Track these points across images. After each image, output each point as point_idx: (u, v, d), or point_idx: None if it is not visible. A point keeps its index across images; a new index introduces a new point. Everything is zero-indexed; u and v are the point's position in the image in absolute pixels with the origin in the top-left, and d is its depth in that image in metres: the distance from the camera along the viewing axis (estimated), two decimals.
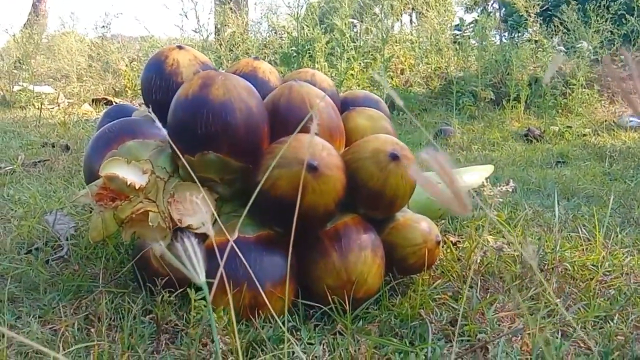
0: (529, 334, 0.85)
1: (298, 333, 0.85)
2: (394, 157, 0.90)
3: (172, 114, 0.92)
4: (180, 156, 0.89)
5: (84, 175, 1.02)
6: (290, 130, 0.93)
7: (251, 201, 0.59)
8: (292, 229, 0.93)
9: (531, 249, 0.40)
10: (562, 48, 4.37)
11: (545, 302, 0.93)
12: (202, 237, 0.93)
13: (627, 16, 4.61)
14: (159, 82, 1.03)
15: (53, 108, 3.96)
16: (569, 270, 1.04)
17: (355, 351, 0.78)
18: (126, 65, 4.84)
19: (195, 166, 0.91)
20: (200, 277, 0.36)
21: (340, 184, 0.88)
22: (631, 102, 0.42)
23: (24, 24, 6.04)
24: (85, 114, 3.76)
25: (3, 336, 0.82)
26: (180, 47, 1.06)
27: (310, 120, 0.94)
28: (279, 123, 0.95)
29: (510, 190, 1.09)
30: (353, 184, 0.91)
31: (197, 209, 0.92)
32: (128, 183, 0.88)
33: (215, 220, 0.94)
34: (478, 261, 1.05)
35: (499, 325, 0.88)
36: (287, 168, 0.84)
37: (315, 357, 0.78)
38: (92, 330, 0.85)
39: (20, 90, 4.20)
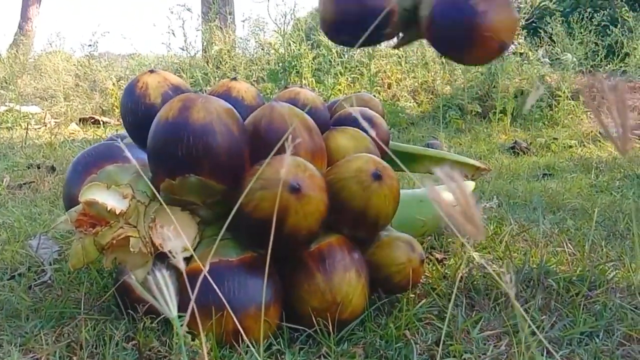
0: (514, 353, 0.85)
1: (282, 357, 0.85)
2: (377, 177, 0.90)
3: (152, 137, 0.91)
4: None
5: (63, 201, 1.01)
6: (272, 152, 0.93)
7: (227, 222, 0.59)
8: (275, 251, 0.93)
9: (509, 277, 0.40)
10: (547, 60, 4.40)
11: (530, 319, 0.92)
12: (185, 262, 0.92)
13: (611, 27, 4.66)
14: (129, 104, 1.05)
15: (40, 128, 3.95)
16: (554, 286, 1.04)
17: None
18: (113, 84, 4.83)
19: (177, 189, 0.90)
20: (172, 312, 0.36)
21: (323, 205, 0.88)
22: (600, 121, 0.42)
23: (10, 44, 6.03)
24: (72, 133, 3.75)
25: None
26: (152, 71, 1.07)
27: (290, 141, 0.94)
28: (260, 144, 0.94)
29: (494, 206, 1.09)
30: (336, 204, 0.91)
31: (179, 233, 0.92)
32: (108, 208, 0.87)
33: (198, 244, 0.94)
34: (464, 278, 1.05)
35: (485, 344, 0.88)
36: (269, 190, 0.84)
37: None
38: (74, 358, 0.84)
39: (6, 110, 4.18)
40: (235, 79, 1.17)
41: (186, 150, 0.87)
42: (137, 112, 1.04)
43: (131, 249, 0.87)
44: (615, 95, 0.40)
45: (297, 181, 0.84)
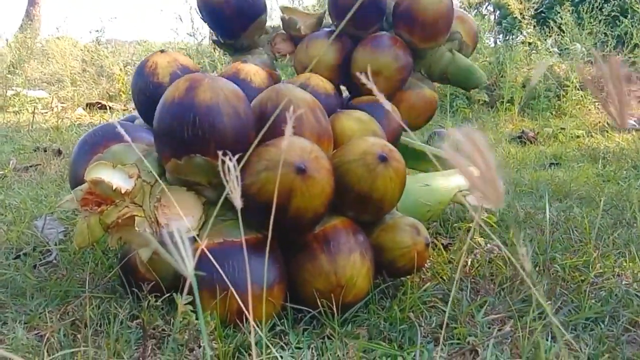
0: (518, 337, 0.85)
1: (286, 337, 0.85)
2: (383, 159, 0.90)
3: (158, 117, 0.91)
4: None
5: (69, 180, 1.01)
6: (277, 134, 0.92)
7: (221, 200, 0.59)
8: (280, 233, 0.93)
9: (524, 250, 0.39)
10: (556, 50, 4.38)
11: (535, 305, 0.92)
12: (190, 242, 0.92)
13: (621, 18, 4.62)
14: (139, 83, 1.07)
15: (47, 112, 3.95)
16: (560, 273, 1.04)
17: (343, 355, 0.77)
18: (120, 70, 4.83)
19: (182, 170, 0.90)
20: (188, 267, 0.36)
21: (329, 186, 0.87)
22: (608, 111, 0.42)
23: (18, 29, 6.02)
24: (79, 118, 3.75)
25: None
26: (162, 51, 1.08)
27: (294, 122, 0.94)
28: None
29: (501, 190, 1.08)
30: (341, 187, 0.91)
31: (185, 213, 0.92)
32: (114, 187, 0.87)
33: (203, 224, 0.94)
34: (469, 263, 1.05)
35: (489, 328, 0.88)
36: (274, 171, 0.84)
37: None
38: (79, 335, 0.84)
39: (13, 94, 4.18)
40: (245, 61, 1.17)
41: (192, 130, 0.87)
42: (146, 92, 1.05)
43: (136, 228, 0.87)
44: (610, 70, 0.40)
45: (303, 162, 0.83)
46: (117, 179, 0.88)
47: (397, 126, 1.18)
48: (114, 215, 0.88)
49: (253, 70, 1.12)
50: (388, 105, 1.11)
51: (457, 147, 0.35)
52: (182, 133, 0.87)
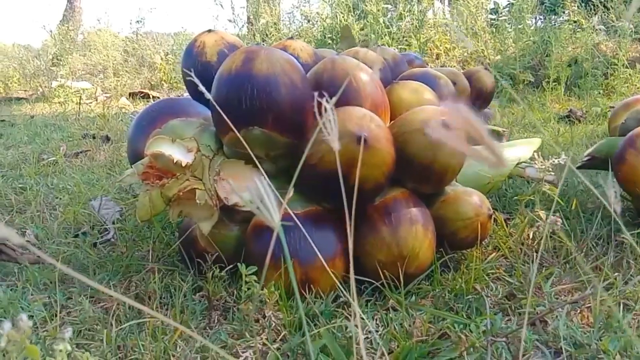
0: (588, 307, 0.83)
1: (349, 309, 0.84)
2: (445, 128, 0.88)
3: (215, 90, 0.91)
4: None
5: (128, 156, 1.02)
6: (335, 104, 0.91)
7: (297, 174, 0.58)
8: (340, 204, 0.92)
9: (613, 192, 0.37)
10: (602, 27, 4.25)
11: (604, 276, 0.89)
12: (250, 215, 0.92)
13: None
14: (188, 64, 1.06)
15: (91, 102, 4.01)
16: (626, 243, 1.01)
17: (410, 325, 0.76)
18: (161, 59, 4.87)
19: (240, 142, 0.89)
20: (275, 219, 0.35)
21: (390, 156, 0.86)
22: None
23: (60, 21, 6.13)
24: (123, 107, 3.79)
25: (56, 315, 0.83)
26: (209, 31, 1.07)
27: (352, 93, 0.93)
28: (322, 97, 0.93)
29: (563, 162, 1.05)
30: (401, 157, 0.89)
31: (244, 186, 0.91)
32: (174, 161, 0.87)
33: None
34: (531, 236, 1.02)
35: (557, 299, 0.86)
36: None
37: (369, 331, 0.76)
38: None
39: (58, 86, 4.25)
40: (292, 38, 1.15)
41: (249, 102, 0.86)
42: (194, 71, 1.05)
43: (197, 201, 0.87)
44: None
45: (364, 132, 0.82)
46: (177, 153, 0.88)
47: (451, 97, 1.15)
48: (175, 189, 0.88)
49: (300, 45, 1.11)
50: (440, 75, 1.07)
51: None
52: (239, 105, 0.86)
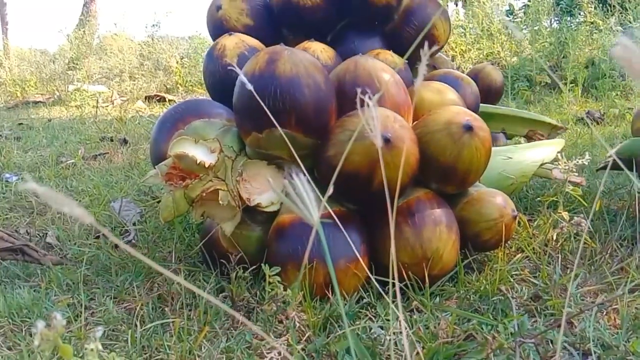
0: (614, 309, 0.81)
1: (373, 310, 0.83)
2: (468, 128, 0.87)
3: (238, 92, 0.91)
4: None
5: (151, 157, 1.02)
6: (357, 105, 0.91)
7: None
8: (364, 205, 0.91)
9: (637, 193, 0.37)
10: (620, 28, 4.22)
11: (631, 277, 0.88)
12: (272, 215, 0.92)
13: None
14: (210, 67, 1.08)
15: (107, 106, 4.03)
16: None
17: (435, 326, 0.76)
18: (177, 62, 4.89)
19: (263, 143, 0.89)
20: (314, 215, 0.34)
21: (414, 157, 0.86)
22: None
23: (77, 25, 6.17)
24: (139, 110, 3.81)
25: (79, 315, 0.83)
26: (230, 34, 1.08)
27: (374, 93, 0.92)
28: (344, 99, 0.93)
29: (587, 163, 1.04)
30: (424, 158, 0.89)
31: (266, 187, 0.91)
32: (198, 161, 0.87)
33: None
34: (554, 238, 1.01)
35: (582, 300, 0.85)
36: (360, 141, 0.82)
37: (394, 333, 0.76)
38: (166, 308, 0.85)
39: (75, 89, 4.28)
40: (312, 40, 1.15)
41: (273, 103, 0.86)
42: (215, 74, 1.06)
43: (220, 202, 0.87)
44: None
45: (388, 132, 0.82)
46: (200, 154, 0.88)
47: (474, 98, 1.15)
48: (198, 189, 0.88)
49: (320, 47, 1.11)
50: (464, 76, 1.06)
51: None
52: (262, 106, 0.86)
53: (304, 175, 0.34)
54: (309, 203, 0.34)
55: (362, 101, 0.86)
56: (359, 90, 0.85)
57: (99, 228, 0.28)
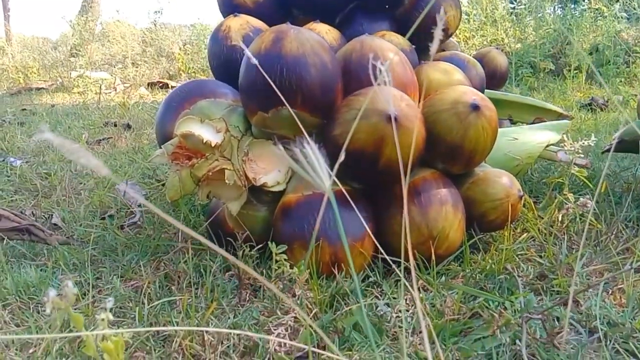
0: (619, 288, 0.82)
1: (379, 288, 0.83)
2: (475, 108, 0.87)
3: (244, 71, 0.91)
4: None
5: (157, 137, 1.02)
6: (363, 85, 0.91)
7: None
8: (370, 184, 0.91)
9: None
10: (624, 15, 4.20)
11: (635, 258, 0.88)
12: (278, 195, 0.92)
13: None
14: (214, 48, 1.07)
15: (110, 92, 4.03)
16: None
17: (441, 305, 0.76)
18: (180, 49, 4.88)
19: (269, 123, 0.89)
20: (326, 183, 0.34)
21: (420, 136, 0.85)
22: None
23: (79, 12, 6.15)
24: (142, 97, 3.81)
25: (87, 293, 0.83)
26: (235, 15, 1.07)
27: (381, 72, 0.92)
28: (350, 78, 0.92)
29: (592, 144, 1.04)
30: (431, 137, 0.88)
31: (272, 167, 0.91)
32: (204, 141, 0.87)
33: (290, 178, 0.93)
34: (559, 219, 1.01)
35: (588, 279, 0.85)
36: (365, 120, 0.82)
37: (399, 310, 0.76)
38: (173, 287, 0.85)
39: (78, 76, 4.28)
40: (317, 21, 1.15)
41: (279, 82, 0.86)
42: (220, 55, 1.06)
43: (226, 181, 0.87)
44: None
45: (394, 110, 0.81)
46: (206, 133, 0.88)
47: (480, 80, 1.15)
48: (204, 169, 0.88)
49: (325, 29, 1.11)
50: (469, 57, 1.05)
51: None
52: (268, 85, 0.86)
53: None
54: (320, 170, 0.34)
55: (368, 81, 0.85)
56: (370, 57, 0.85)
57: (115, 181, 0.28)
